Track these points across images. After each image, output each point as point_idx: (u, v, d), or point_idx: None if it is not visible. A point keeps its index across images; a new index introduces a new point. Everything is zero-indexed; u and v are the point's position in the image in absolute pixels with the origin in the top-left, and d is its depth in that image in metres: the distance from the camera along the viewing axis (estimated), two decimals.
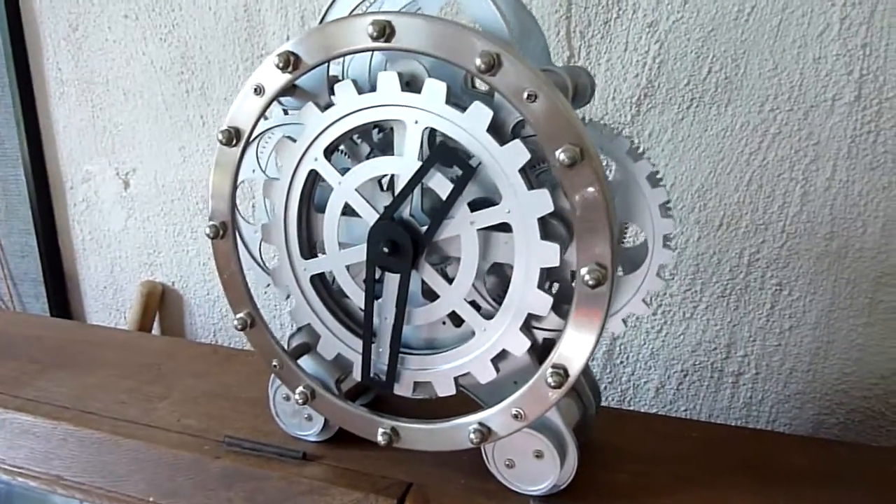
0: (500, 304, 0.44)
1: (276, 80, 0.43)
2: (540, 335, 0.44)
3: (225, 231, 0.47)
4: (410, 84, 0.43)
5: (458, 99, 0.42)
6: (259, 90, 0.44)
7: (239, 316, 0.49)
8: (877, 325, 0.65)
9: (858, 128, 0.61)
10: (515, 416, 0.43)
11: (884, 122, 0.60)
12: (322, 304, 0.48)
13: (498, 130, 0.41)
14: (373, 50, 0.41)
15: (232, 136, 0.45)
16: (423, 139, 0.42)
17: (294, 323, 0.50)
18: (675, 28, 0.64)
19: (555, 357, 0.41)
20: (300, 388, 0.48)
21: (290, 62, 0.42)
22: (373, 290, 0.45)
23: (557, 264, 0.41)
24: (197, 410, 0.59)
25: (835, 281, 0.65)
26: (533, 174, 0.43)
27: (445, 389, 0.46)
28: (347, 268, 0.46)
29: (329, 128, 0.43)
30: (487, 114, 0.39)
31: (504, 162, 0.40)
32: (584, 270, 0.38)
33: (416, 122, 0.41)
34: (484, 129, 0.39)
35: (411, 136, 0.41)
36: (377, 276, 0.46)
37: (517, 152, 0.39)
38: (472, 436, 0.44)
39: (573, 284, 0.40)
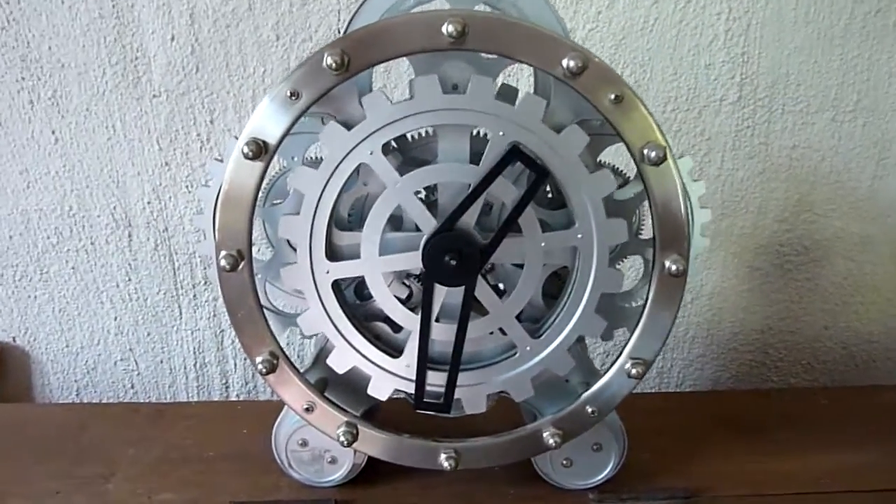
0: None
1: (321, 83, 0.38)
2: None
3: (241, 261, 0.40)
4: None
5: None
6: (296, 95, 0.38)
7: (262, 359, 0.42)
8: (755, 290, 0.77)
9: (739, 124, 0.72)
10: (593, 413, 0.43)
11: (758, 119, 0.71)
12: (340, 311, 0.43)
13: None
14: (444, 50, 0.38)
15: (260, 149, 0.38)
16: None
17: (305, 332, 0.44)
18: (590, 36, 0.69)
19: (630, 349, 0.42)
20: (342, 429, 0.43)
21: (345, 63, 0.37)
22: (430, 307, 0.42)
23: (619, 291, 0.43)
24: (165, 482, 0.49)
25: (724, 255, 0.76)
26: None
27: (474, 407, 0.45)
28: None
29: (397, 122, 0.39)
30: (584, 139, 0.39)
31: (589, 188, 0.40)
32: (668, 262, 0.40)
33: (502, 134, 0.39)
34: (578, 153, 0.39)
35: (493, 147, 0.39)
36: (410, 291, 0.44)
37: (604, 180, 0.40)
38: (551, 440, 0.43)
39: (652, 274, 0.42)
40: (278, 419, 0.47)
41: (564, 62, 0.37)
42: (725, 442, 0.55)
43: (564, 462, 0.47)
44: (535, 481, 0.48)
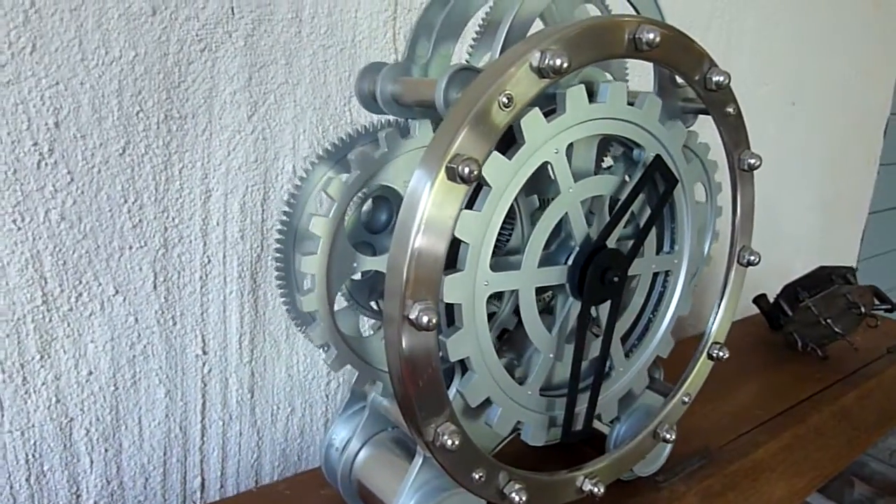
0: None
1: (532, 86, 0.32)
2: None
3: (436, 316, 0.31)
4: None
5: None
6: (510, 101, 0.31)
7: (450, 431, 0.33)
8: None
9: None
10: (685, 402, 0.47)
11: None
12: (488, 332, 0.37)
13: None
14: (633, 58, 0.36)
15: (474, 171, 0.30)
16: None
17: (451, 356, 0.36)
18: None
19: (714, 335, 0.47)
20: (516, 487, 0.37)
21: (565, 66, 0.32)
22: (585, 329, 0.39)
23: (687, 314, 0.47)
24: None
25: None
26: None
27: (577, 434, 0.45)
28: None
29: (586, 123, 0.36)
30: (700, 173, 0.43)
31: (693, 215, 0.43)
32: (747, 253, 0.46)
33: (653, 155, 0.40)
34: (694, 183, 0.42)
35: (643, 165, 0.39)
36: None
37: (703, 211, 0.44)
38: (666, 435, 0.45)
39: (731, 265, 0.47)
40: (400, 501, 0.38)
41: (715, 77, 0.39)
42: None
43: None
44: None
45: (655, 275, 0.45)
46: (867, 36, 1.28)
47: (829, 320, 0.72)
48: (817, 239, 1.34)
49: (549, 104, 0.36)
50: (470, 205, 0.34)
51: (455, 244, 0.33)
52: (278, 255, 0.38)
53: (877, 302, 0.75)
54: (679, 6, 0.87)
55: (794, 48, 1.11)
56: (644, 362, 0.46)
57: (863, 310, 0.71)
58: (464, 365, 0.37)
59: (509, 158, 0.34)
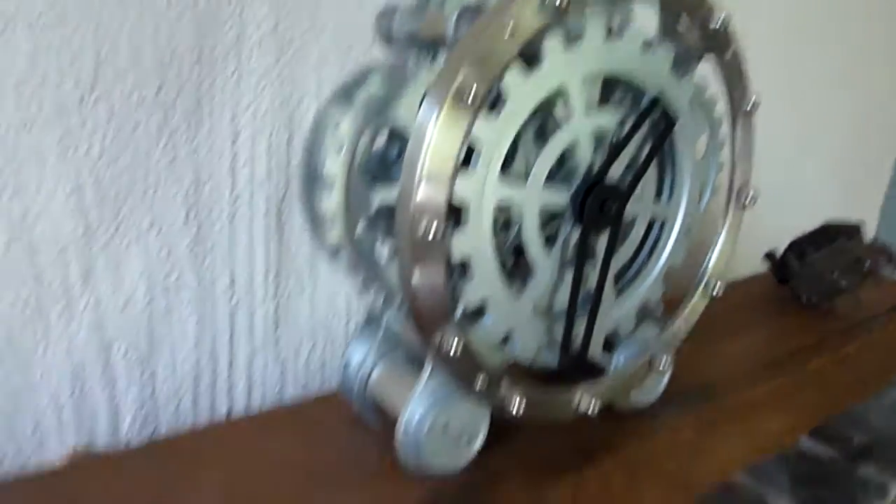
0: None
1: (535, 21, 0.34)
2: None
3: (444, 226, 0.34)
4: None
5: None
6: (515, 32, 0.34)
7: (454, 337, 0.37)
8: None
9: None
10: (680, 335, 0.49)
11: None
12: (490, 236, 0.39)
13: None
14: None
15: (480, 94, 0.33)
16: None
17: (454, 253, 0.38)
18: None
19: (711, 271, 0.50)
20: (516, 396, 0.41)
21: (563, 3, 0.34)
22: (586, 253, 0.42)
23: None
24: None
25: None
26: None
27: None
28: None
29: (603, 56, 0.39)
30: (703, 123, 0.45)
31: (694, 170, 0.46)
32: (749, 193, 0.48)
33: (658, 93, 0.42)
34: (697, 136, 0.45)
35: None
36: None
37: (705, 167, 0.47)
38: (664, 361, 0.48)
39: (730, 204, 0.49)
40: (409, 408, 0.41)
41: (718, 16, 0.41)
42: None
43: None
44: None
45: (651, 224, 0.47)
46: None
47: (834, 274, 0.73)
48: (837, 199, 1.34)
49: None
50: None
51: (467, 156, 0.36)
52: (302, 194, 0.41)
53: (882, 259, 0.76)
54: None
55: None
56: (633, 303, 0.48)
57: (867, 265, 0.73)
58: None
59: (528, 77, 0.36)
